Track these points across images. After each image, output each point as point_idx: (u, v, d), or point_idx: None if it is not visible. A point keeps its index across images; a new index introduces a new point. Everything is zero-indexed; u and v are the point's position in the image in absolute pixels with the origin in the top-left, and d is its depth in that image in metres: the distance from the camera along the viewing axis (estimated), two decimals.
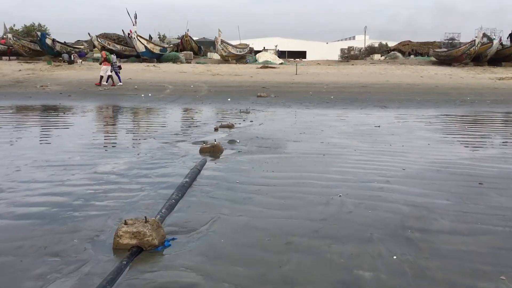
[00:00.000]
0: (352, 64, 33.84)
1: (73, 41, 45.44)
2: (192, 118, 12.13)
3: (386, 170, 6.63)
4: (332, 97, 18.27)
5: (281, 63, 35.13)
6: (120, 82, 21.78)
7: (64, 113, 13.29)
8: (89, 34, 33.72)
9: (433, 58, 37.78)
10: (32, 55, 31.63)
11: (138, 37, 30.40)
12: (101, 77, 21.37)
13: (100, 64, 21.80)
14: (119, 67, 22.08)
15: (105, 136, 9.17)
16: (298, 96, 18.65)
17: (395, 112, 14.12)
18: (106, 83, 21.38)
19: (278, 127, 10.77)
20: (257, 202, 5.14)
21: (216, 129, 10.29)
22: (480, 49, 32.00)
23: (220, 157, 7.55)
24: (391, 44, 54.49)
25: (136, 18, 29.21)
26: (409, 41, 50.90)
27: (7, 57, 31.33)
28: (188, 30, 37.29)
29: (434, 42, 47.69)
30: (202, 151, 7.90)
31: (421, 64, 34.34)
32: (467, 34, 67.32)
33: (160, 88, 20.45)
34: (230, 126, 10.64)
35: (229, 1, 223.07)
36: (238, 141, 8.84)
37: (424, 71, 28.82)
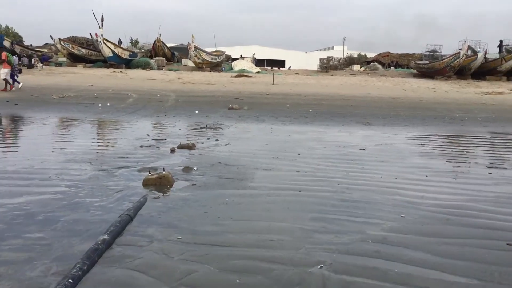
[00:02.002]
0: (332, 75, 32.56)
1: (41, 44, 43.31)
2: (147, 134, 10.36)
3: (381, 219, 5.03)
4: (311, 110, 16.71)
5: (258, 72, 33.62)
6: (20, 84, 19.92)
7: None
8: (51, 36, 31.45)
9: (414, 70, 36.89)
10: None
11: (105, 41, 28.34)
12: (5, 81, 19.50)
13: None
14: (20, 71, 20.57)
15: (27, 160, 7.34)
16: (274, 108, 17.05)
17: (381, 130, 12.62)
18: (14, 88, 19.59)
19: (247, 148, 9.12)
20: (198, 282, 3.45)
21: (172, 150, 8.59)
22: (464, 62, 31.04)
23: (168, 193, 5.87)
24: (370, 55, 54.00)
25: (102, 20, 27.26)
26: (389, 52, 50.37)
27: None
28: (160, 35, 35.36)
29: (414, 54, 47.18)
30: (146, 184, 6.23)
31: (402, 76, 33.30)
32: (447, 47, 67.11)
33: (123, 96, 18.58)
34: (191, 147, 8.95)
35: (209, 8, 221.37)
36: (195, 168, 7.17)
37: (406, 83, 27.65)
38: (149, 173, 6.44)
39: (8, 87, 19.52)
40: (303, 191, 6.13)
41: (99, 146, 8.86)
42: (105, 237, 4.12)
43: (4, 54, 19.94)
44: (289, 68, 43.97)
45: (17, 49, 29.09)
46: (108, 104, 16.29)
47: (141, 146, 8.93)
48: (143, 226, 4.58)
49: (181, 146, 8.94)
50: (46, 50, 33.90)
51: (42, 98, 17.53)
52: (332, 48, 79.31)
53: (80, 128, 11.35)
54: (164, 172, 6.38)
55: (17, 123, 11.96)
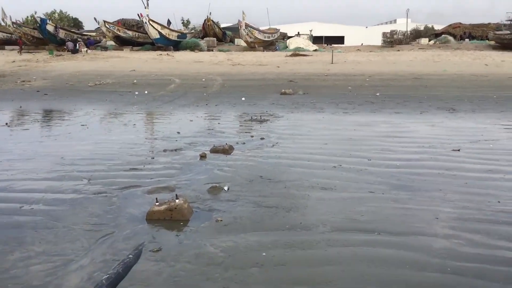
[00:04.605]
0: (398, 50, 29.29)
1: (93, 29, 42.85)
2: (177, 132, 8.43)
3: None
4: (378, 94, 14.15)
5: (315, 50, 30.95)
6: None
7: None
8: (95, 19, 30.22)
9: (492, 42, 32.71)
10: (36, 44, 28.58)
11: (151, 22, 26.68)
12: None
13: None
14: None
15: (8, 178, 5.60)
16: (334, 92, 14.64)
17: (472, 119, 9.94)
18: None
19: (300, 151, 6.97)
20: None
21: (202, 157, 6.63)
22: None
23: (177, 238, 3.96)
24: (438, 27, 49.69)
25: (148, 0, 25.60)
26: (460, 23, 45.88)
27: (19, 47, 28.04)
28: (210, 13, 33.34)
29: (489, 23, 42.65)
30: (150, 218, 4.40)
31: (479, 49, 29.45)
32: None
33: (164, 82, 16.85)
34: (227, 150, 6.94)
35: None
36: (226, 188, 5.18)
37: (487, 57, 24.06)
38: (156, 201, 4.50)
39: None
40: (383, 233, 3.96)
41: (111, 151, 7.00)
42: None
43: None
44: (361, 44, 40.55)
45: (62, 33, 28.21)
46: (146, 92, 14.57)
47: (165, 151, 7.02)
48: None
49: (215, 150, 6.96)
50: (94, 34, 33.06)
51: (76, 87, 16.10)
52: (395, 21, 74.25)
53: (100, 125, 9.61)
54: (176, 201, 4.42)
55: (29, 120, 10.12)
